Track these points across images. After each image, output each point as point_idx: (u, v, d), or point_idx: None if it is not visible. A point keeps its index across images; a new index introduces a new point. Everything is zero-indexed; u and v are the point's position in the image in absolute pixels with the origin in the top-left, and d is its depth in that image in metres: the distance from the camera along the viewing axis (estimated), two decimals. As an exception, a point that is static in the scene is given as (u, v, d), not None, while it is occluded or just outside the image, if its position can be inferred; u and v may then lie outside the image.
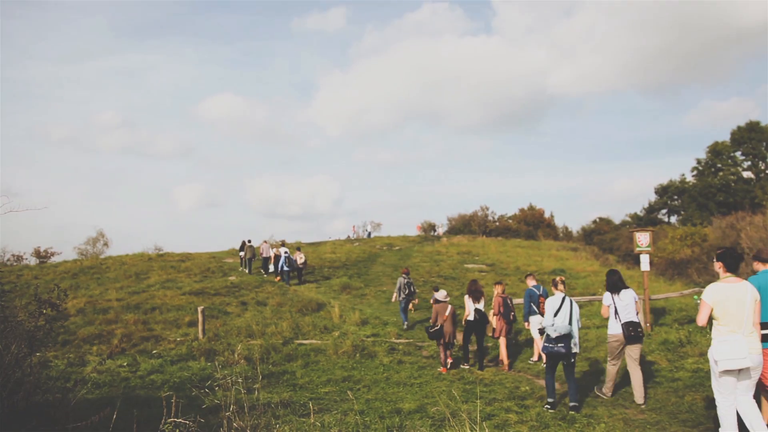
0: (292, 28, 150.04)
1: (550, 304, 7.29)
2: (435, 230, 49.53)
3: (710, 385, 5.41)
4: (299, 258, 21.38)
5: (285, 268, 20.99)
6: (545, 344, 7.23)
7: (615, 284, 7.39)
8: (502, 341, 10.32)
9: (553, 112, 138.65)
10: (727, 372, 4.91)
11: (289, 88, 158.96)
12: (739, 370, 4.90)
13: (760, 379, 5.14)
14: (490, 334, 10.81)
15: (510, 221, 53.84)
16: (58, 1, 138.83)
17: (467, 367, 10.18)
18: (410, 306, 14.62)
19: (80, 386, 8.16)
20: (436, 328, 10.09)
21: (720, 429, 5.08)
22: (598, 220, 54.20)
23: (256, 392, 7.72)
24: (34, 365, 6.18)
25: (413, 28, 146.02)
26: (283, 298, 17.59)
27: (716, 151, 45.18)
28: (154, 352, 11.82)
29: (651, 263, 12.45)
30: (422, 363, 10.63)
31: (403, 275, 14.76)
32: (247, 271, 23.58)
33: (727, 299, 4.97)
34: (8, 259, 29.97)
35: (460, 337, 10.85)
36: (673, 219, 49.77)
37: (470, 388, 8.49)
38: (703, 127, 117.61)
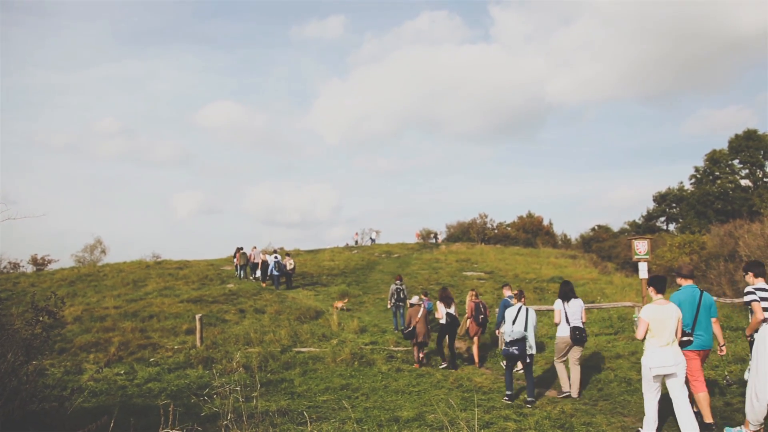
0: (291, 35, 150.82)
1: (509, 313, 8.27)
2: (436, 238, 49.53)
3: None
4: (288, 264, 21.91)
5: (275, 273, 21.49)
6: (504, 347, 8.27)
7: (566, 294, 8.41)
8: (475, 341, 11.47)
9: (552, 120, 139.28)
10: (656, 377, 5.93)
11: (288, 96, 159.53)
12: (666, 375, 5.92)
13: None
14: (462, 334, 11.97)
15: (509, 229, 53.92)
16: (58, 8, 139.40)
17: (444, 365, 10.86)
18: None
19: (77, 395, 8.13)
20: (409, 329, 11.13)
21: (644, 418, 6.06)
22: (596, 227, 54.37)
23: (254, 400, 7.68)
24: (31, 374, 6.16)
25: (412, 36, 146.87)
26: (282, 305, 17.55)
27: (714, 159, 45.35)
28: (152, 360, 11.77)
29: (649, 271, 12.46)
30: (421, 371, 10.60)
31: (396, 282, 15.47)
32: (239, 276, 24.03)
33: (658, 317, 5.93)
34: (5, 267, 29.93)
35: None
36: (672, 227, 49.90)
37: (468, 396, 8.46)
38: (702, 135, 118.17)
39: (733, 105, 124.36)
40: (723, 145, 47.29)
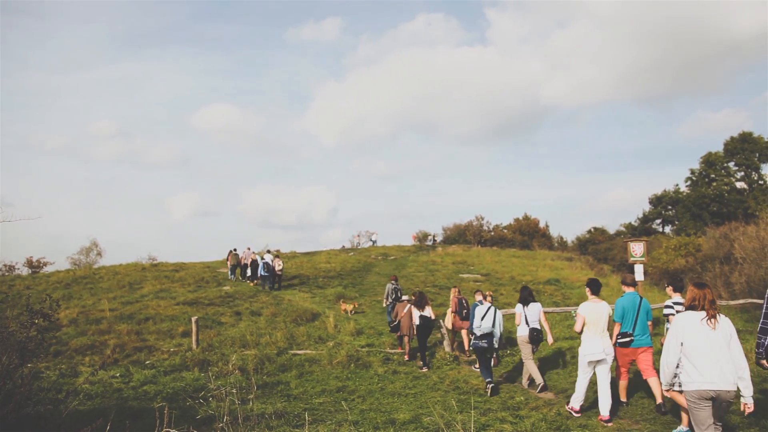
0: (287, 38, 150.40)
1: (478, 311, 9.19)
2: (434, 240, 49.38)
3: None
4: (277, 265, 22.44)
5: (264, 274, 21.98)
6: (473, 341, 9.19)
7: (525, 299, 9.31)
8: (464, 333, 12.56)
9: (548, 123, 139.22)
10: (590, 362, 7.06)
11: (284, 98, 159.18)
12: (597, 361, 7.05)
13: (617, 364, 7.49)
14: (450, 328, 12.80)
15: (505, 231, 53.93)
16: (54, 10, 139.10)
17: (424, 369, 11.02)
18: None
19: (72, 397, 8.11)
20: (395, 322, 12.33)
21: (574, 394, 7.27)
22: (592, 230, 54.37)
23: (250, 403, 7.67)
24: (26, 376, 6.13)
25: (408, 39, 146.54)
26: (278, 308, 17.53)
27: (710, 161, 45.46)
28: (148, 362, 11.74)
29: (645, 273, 12.53)
30: (417, 373, 10.60)
31: (392, 282, 16.02)
32: (231, 277, 24.49)
33: (593, 313, 7.07)
34: (0, 269, 29.77)
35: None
36: (668, 229, 50.01)
37: (465, 398, 8.47)
38: (697, 137, 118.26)
39: (729, 108, 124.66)
40: (718, 147, 47.32)
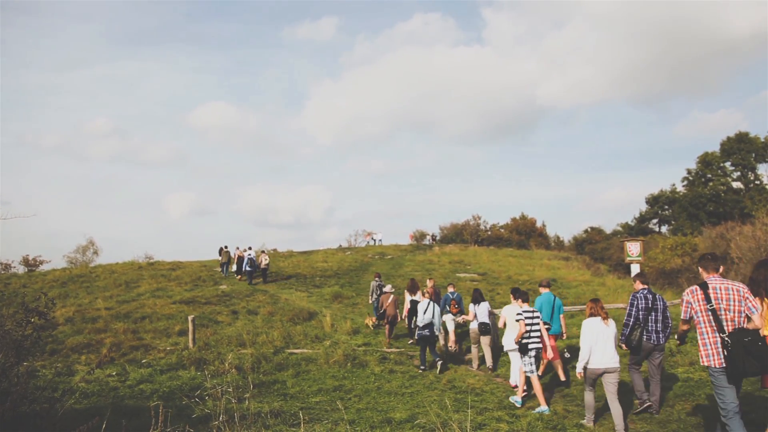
0: (284, 37, 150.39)
1: (420, 307, 10.82)
2: (434, 238, 49.26)
3: (700, 394, 7.51)
4: (264, 260, 23.14)
5: (248, 269, 22.48)
6: (418, 331, 10.78)
7: (476, 299, 11.14)
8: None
9: (545, 122, 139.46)
10: (511, 351, 8.83)
11: (280, 97, 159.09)
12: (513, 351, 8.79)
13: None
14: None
15: (502, 230, 54.02)
16: (52, 9, 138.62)
17: (412, 342, 13.13)
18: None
19: (68, 396, 8.10)
20: (381, 311, 13.89)
21: (511, 375, 9.03)
22: (589, 229, 54.51)
23: (247, 402, 7.68)
24: (21, 375, 6.12)
25: (405, 38, 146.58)
26: (275, 307, 17.52)
27: (706, 161, 45.56)
28: (144, 361, 11.72)
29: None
30: (414, 372, 10.62)
31: (375, 279, 16.64)
32: (223, 274, 24.91)
33: (511, 315, 8.78)
34: (-4, 267, 29.63)
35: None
36: (664, 228, 50.12)
37: (461, 397, 8.49)
38: (693, 137, 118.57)
39: (725, 108, 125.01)
40: (715, 147, 47.42)
